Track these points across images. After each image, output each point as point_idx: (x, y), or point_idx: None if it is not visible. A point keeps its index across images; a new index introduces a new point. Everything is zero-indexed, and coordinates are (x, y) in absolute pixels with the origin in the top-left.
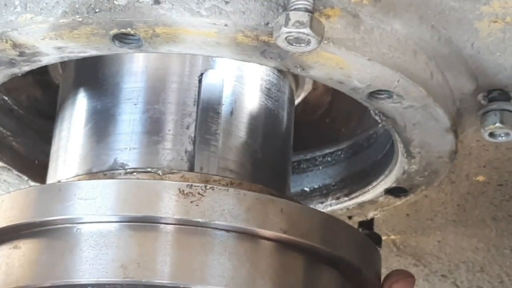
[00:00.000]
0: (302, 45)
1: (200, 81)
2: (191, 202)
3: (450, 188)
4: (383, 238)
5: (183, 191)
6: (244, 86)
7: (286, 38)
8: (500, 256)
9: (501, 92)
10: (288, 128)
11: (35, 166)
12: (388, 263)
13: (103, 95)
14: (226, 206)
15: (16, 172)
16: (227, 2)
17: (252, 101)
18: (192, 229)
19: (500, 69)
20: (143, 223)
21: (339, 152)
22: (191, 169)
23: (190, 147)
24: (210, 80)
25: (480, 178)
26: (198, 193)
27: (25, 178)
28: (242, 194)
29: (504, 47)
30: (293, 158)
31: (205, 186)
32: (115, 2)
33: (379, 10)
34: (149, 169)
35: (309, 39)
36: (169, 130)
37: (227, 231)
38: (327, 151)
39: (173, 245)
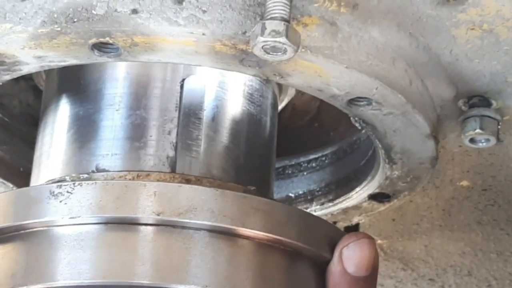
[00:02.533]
0: (279, 53)
1: (182, 86)
2: (60, 201)
3: (434, 193)
4: None
5: (53, 192)
6: (226, 91)
7: (262, 47)
8: (487, 260)
9: (481, 98)
10: (271, 133)
11: (20, 173)
12: None
13: (85, 101)
14: (94, 199)
15: (1, 180)
16: (204, 11)
17: (234, 107)
18: (58, 231)
19: (479, 76)
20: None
21: (324, 158)
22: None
23: (171, 153)
24: (192, 85)
25: (464, 183)
26: (67, 192)
27: (10, 185)
28: (110, 185)
29: (482, 54)
30: (278, 164)
31: (74, 183)
32: (93, 11)
33: (357, 18)
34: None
35: (285, 48)
36: (150, 136)
37: (97, 224)
38: (311, 156)
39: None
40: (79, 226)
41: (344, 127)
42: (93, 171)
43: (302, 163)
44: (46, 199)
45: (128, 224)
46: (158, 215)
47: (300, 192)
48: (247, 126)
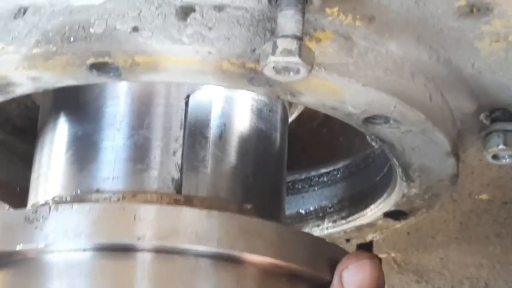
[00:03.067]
0: (291, 73)
1: (186, 103)
2: (36, 228)
3: (452, 206)
4: (383, 256)
5: (28, 218)
6: (233, 107)
7: (273, 67)
8: (505, 272)
9: (504, 111)
10: (281, 149)
11: (16, 193)
12: (389, 280)
13: (84, 120)
14: (69, 225)
15: None
16: (210, 28)
17: (242, 123)
18: (35, 259)
19: (503, 88)
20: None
21: (336, 172)
22: None
23: (177, 175)
24: (198, 102)
25: (484, 196)
26: (42, 217)
27: (6, 206)
28: (87, 209)
29: (507, 66)
30: (287, 178)
31: (49, 208)
32: (91, 30)
33: (374, 31)
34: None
35: (298, 68)
36: (154, 157)
37: (74, 251)
38: (323, 170)
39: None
40: (56, 254)
41: (354, 132)
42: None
43: (312, 178)
44: (21, 225)
45: (106, 250)
46: (138, 239)
47: (311, 209)
48: (256, 143)
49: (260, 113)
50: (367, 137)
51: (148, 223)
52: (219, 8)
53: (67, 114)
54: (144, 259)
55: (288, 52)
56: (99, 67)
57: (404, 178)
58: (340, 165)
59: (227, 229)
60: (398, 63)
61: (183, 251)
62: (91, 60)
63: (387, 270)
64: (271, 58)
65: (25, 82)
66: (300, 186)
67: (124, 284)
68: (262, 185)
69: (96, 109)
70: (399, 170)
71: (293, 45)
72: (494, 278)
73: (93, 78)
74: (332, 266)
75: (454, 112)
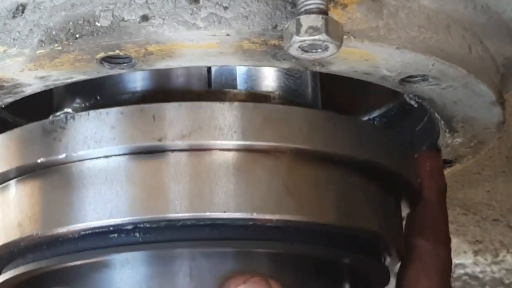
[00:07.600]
0: (319, 50)
1: (209, 70)
2: (54, 139)
3: (497, 143)
4: None
5: (45, 129)
6: (259, 68)
7: (299, 46)
8: None
9: None
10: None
11: None
12: None
13: None
14: (88, 132)
15: None
16: (226, 8)
17: (270, 85)
18: (58, 169)
19: None
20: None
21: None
22: None
23: None
24: (220, 67)
25: None
26: (60, 127)
27: None
28: (104, 114)
29: None
30: None
31: (66, 117)
32: (97, 23)
33: None
34: None
35: (326, 45)
36: None
37: (97, 158)
38: None
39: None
40: (79, 163)
41: None
42: None
43: None
44: (40, 138)
45: (128, 154)
46: (159, 140)
47: None
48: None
49: (288, 71)
50: (405, 96)
51: (168, 122)
52: None
53: None
54: (168, 159)
55: (314, 30)
56: (111, 60)
57: (447, 130)
58: (375, 113)
59: (250, 120)
60: (432, 18)
61: (208, 147)
62: (101, 55)
63: None
64: (296, 38)
65: (33, 81)
66: None
67: (150, 186)
68: None
69: None
70: (441, 123)
71: (318, 21)
72: None
73: (106, 71)
74: (374, 147)
75: (496, 58)
